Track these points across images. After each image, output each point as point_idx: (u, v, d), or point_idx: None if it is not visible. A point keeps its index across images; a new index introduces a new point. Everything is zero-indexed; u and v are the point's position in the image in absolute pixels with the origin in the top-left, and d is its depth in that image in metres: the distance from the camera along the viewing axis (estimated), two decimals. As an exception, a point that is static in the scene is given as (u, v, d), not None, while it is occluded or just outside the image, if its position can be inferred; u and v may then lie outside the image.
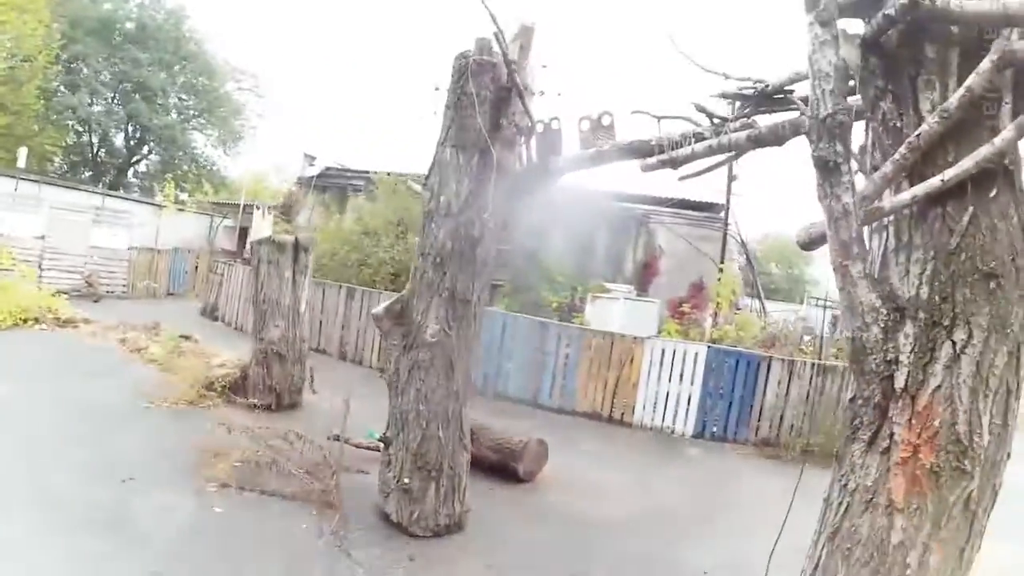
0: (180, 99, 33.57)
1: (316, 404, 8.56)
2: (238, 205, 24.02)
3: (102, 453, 6.11)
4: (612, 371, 10.47)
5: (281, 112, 66.73)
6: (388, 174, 16.95)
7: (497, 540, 5.44)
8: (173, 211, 21.00)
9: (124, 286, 16.28)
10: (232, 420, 6.91)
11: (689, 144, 4.21)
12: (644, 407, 10.34)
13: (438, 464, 5.07)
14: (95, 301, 14.84)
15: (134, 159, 33.57)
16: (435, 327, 4.90)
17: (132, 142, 32.95)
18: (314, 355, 10.29)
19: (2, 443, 6.00)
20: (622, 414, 10.44)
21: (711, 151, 4.09)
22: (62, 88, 29.07)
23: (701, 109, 4.30)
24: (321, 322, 13.18)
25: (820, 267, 29.99)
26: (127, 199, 22.02)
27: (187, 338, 11.42)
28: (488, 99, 5.04)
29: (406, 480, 4.97)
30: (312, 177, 21.11)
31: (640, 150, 4.50)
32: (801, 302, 29.68)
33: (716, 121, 4.26)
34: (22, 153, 20.26)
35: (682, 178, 4.43)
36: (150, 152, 34.01)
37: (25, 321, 11.38)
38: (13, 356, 9.49)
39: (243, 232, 21.76)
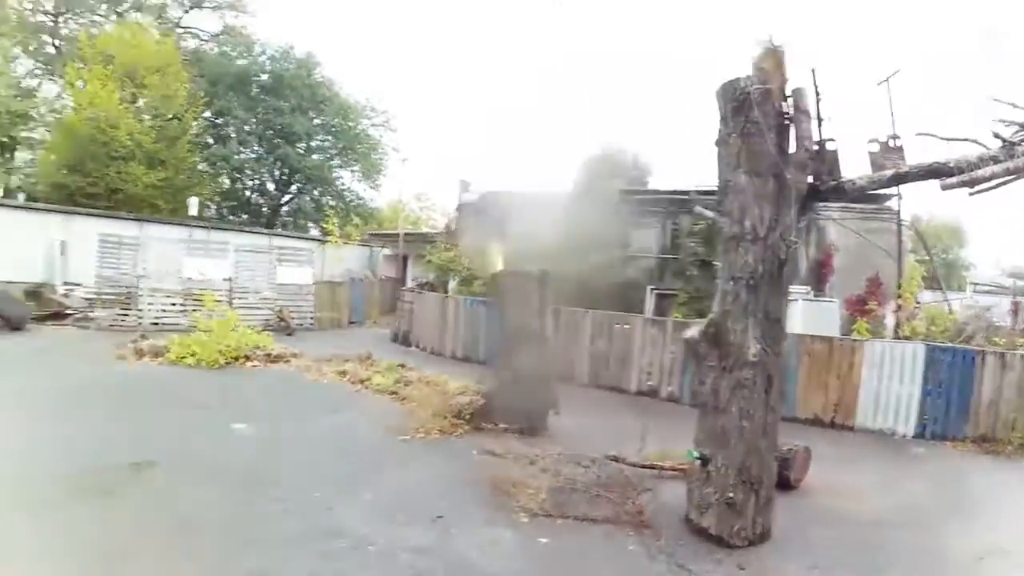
0: (322, 140, 36.01)
1: (563, 426, 8.78)
2: (395, 235, 25.35)
3: (388, 491, 6.24)
4: (832, 375, 10.37)
5: (410, 143, 69.51)
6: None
7: (803, 543, 5.62)
8: (335, 245, 22.45)
9: (311, 319, 17.54)
10: (493, 446, 7.25)
11: (987, 166, 4.42)
12: (865, 410, 10.20)
13: (759, 477, 5.31)
14: (289, 334, 16.02)
15: (285, 199, 36.14)
16: (756, 347, 5.16)
17: (282, 184, 35.55)
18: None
19: (277, 487, 6.12)
20: (844, 419, 10.33)
21: (1008, 172, 4.32)
22: (211, 141, 32.01)
23: (998, 135, 4.64)
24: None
25: (975, 250, 28.01)
26: (302, 237, 23.79)
27: (402, 367, 12.19)
28: (772, 125, 5.27)
29: (730, 495, 5.22)
30: (471, 203, 21.98)
31: (939, 171, 4.81)
32: (961, 288, 27.80)
33: (1005, 144, 4.56)
34: (193, 203, 22.40)
35: (972, 193, 4.62)
36: (299, 192, 36.54)
37: (236, 359, 12.22)
38: (242, 395, 10.13)
39: (403, 260, 23.11)
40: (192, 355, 11.87)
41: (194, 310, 15.09)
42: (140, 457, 6.63)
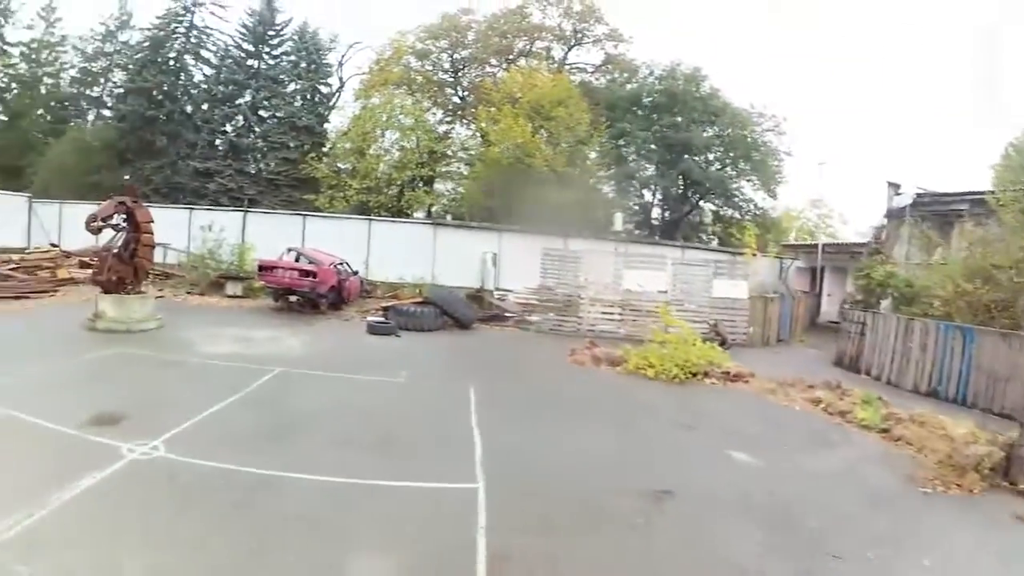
0: (719, 151, 35.42)
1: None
2: (809, 246, 23.33)
3: (950, 558, 5.37)
4: None
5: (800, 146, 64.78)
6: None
7: None
8: (751, 257, 21.29)
9: (743, 334, 16.64)
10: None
11: None
12: None
13: None
14: (726, 349, 15.11)
15: (686, 212, 36.26)
16: None
17: (682, 197, 35.73)
18: None
19: (818, 537, 5.48)
20: None
21: None
22: (614, 161, 33.48)
23: None
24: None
25: None
26: (727, 251, 23.21)
27: (880, 399, 10.32)
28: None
29: None
30: (903, 207, 19.00)
31: None
32: None
33: None
34: (618, 218, 23.36)
35: None
36: (697, 204, 36.32)
37: (695, 375, 11.63)
38: (718, 416, 9.61)
39: (819, 273, 20.97)
40: (650, 367, 11.67)
41: (632, 320, 15.27)
42: (650, 481, 6.43)
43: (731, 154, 34.95)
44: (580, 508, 5.77)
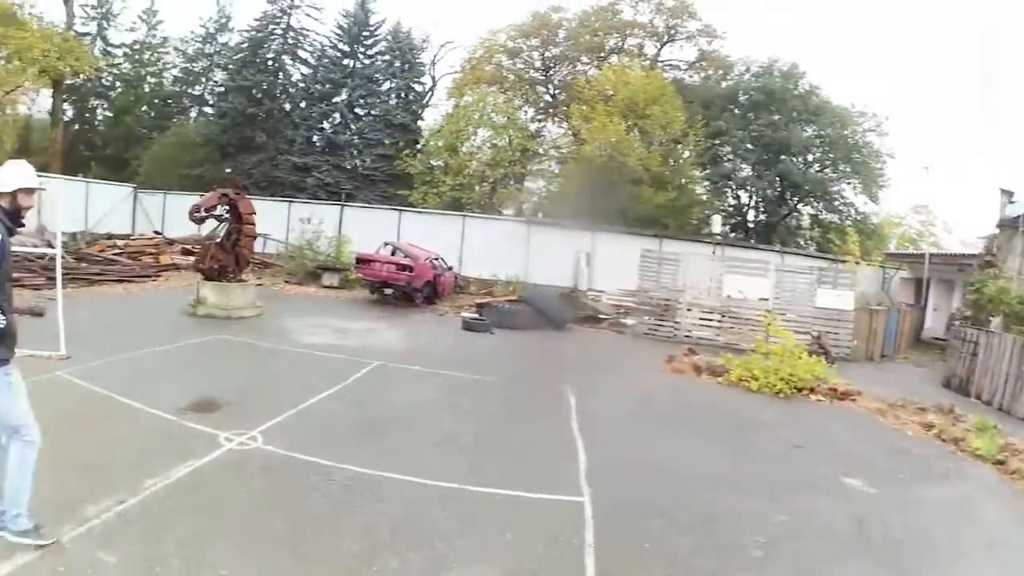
0: (820, 152, 34.19)
1: None
2: (916, 256, 22.32)
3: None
4: None
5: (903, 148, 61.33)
6: None
7: None
8: (854, 265, 20.53)
9: (848, 348, 16.10)
10: None
11: None
12: None
13: None
14: (831, 363, 14.62)
15: (784, 215, 35.18)
16: None
17: (779, 200, 34.64)
18: None
19: None
20: None
21: None
22: (709, 162, 32.97)
23: None
24: None
25: None
26: (823, 257, 22.52)
27: (995, 427, 9.86)
28: None
29: None
30: (1017, 217, 17.92)
31: None
32: None
33: None
34: (716, 221, 23.12)
35: None
36: (795, 207, 35.21)
37: (799, 390, 11.30)
38: (827, 436, 9.25)
39: (924, 285, 20.04)
40: (753, 379, 11.47)
41: (730, 328, 15.10)
42: (765, 507, 6.16)
43: (831, 155, 33.52)
44: (698, 535, 5.47)
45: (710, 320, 16.72)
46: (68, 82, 34.35)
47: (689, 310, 16.75)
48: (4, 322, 4.24)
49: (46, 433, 4.48)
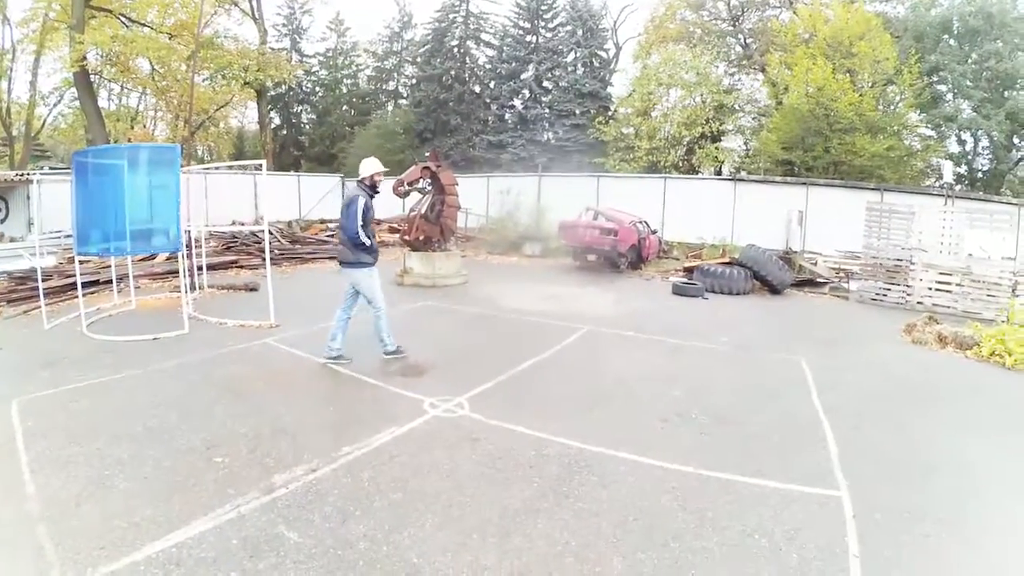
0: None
1: None
2: None
3: None
4: None
5: None
6: None
7: None
8: None
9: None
10: None
11: None
12: None
13: None
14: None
15: (1016, 162, 31.27)
16: None
17: (1010, 142, 30.77)
18: None
19: None
20: None
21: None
22: (925, 103, 29.52)
23: None
24: None
25: None
26: None
27: None
28: None
29: None
30: None
31: None
32: None
33: None
34: (947, 167, 21.30)
35: None
36: None
37: None
38: None
39: None
40: (1008, 353, 10.04)
41: (969, 293, 13.87)
42: None
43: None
44: (987, 552, 4.25)
45: (947, 283, 14.76)
46: (271, 93, 39.74)
47: (926, 271, 14.97)
48: (372, 243, 7.76)
49: (250, 396, 5.97)
